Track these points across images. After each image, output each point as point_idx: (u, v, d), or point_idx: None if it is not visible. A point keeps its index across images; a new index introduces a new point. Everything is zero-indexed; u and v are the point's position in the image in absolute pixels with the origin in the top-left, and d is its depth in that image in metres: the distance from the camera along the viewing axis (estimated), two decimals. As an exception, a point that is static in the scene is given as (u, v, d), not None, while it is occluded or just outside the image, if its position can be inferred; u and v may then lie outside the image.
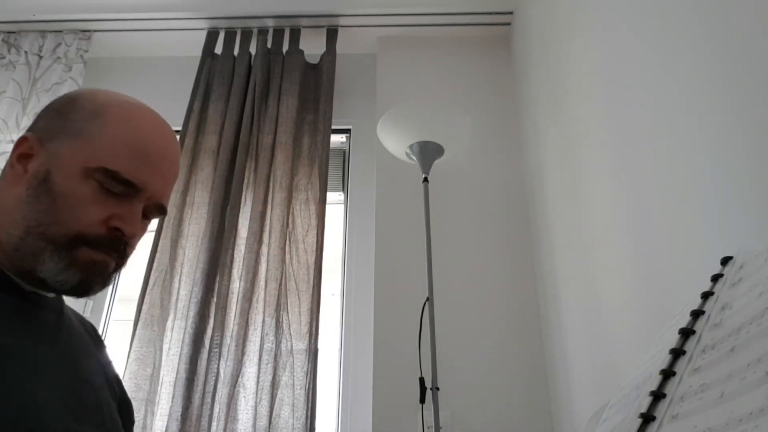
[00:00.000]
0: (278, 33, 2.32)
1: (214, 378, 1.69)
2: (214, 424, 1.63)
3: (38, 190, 0.68)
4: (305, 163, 2.04)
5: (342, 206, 2.19)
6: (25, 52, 2.28)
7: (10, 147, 2.09)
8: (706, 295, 0.59)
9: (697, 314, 0.58)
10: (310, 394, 1.68)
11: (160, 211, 0.76)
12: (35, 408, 0.61)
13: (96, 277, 0.70)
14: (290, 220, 1.92)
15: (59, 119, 0.72)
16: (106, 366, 0.82)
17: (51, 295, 0.73)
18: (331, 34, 2.30)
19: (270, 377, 1.68)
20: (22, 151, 0.71)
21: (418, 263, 1.77)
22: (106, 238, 0.69)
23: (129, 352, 1.75)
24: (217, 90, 2.18)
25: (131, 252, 0.74)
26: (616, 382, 1.11)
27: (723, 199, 0.83)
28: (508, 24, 2.30)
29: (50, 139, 0.71)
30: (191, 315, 1.76)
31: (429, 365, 1.54)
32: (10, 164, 0.71)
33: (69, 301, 0.79)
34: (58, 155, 0.69)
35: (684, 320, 0.59)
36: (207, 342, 1.74)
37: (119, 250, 0.71)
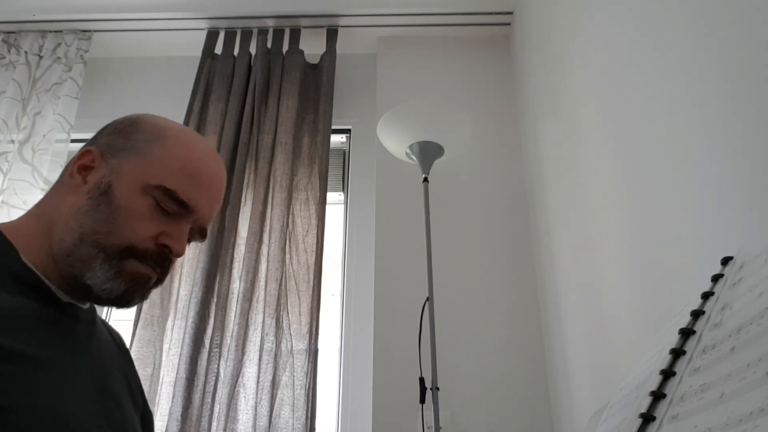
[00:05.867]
0: (278, 33, 2.32)
1: (214, 378, 1.69)
2: (214, 424, 1.63)
3: (99, 200, 0.71)
4: (305, 163, 2.04)
5: (342, 206, 2.18)
6: (25, 52, 2.28)
7: (10, 147, 2.09)
8: (706, 296, 0.59)
9: (697, 314, 0.58)
10: (310, 394, 1.68)
11: (202, 235, 0.80)
12: (68, 422, 0.62)
13: (138, 289, 0.73)
14: (290, 220, 1.92)
15: (122, 137, 0.76)
16: (131, 378, 0.83)
17: (85, 306, 0.75)
18: (331, 34, 2.30)
19: (270, 377, 1.68)
20: (84, 163, 0.74)
21: (418, 263, 1.77)
22: (154, 253, 0.72)
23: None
24: (217, 90, 2.18)
25: (170, 269, 0.77)
26: (616, 383, 1.11)
27: (723, 199, 0.83)
28: (508, 24, 2.30)
29: (112, 155, 0.74)
30: (191, 315, 1.76)
31: (429, 365, 1.54)
32: (69, 174, 0.74)
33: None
34: (120, 170, 0.73)
35: (684, 320, 0.59)
36: (207, 342, 1.74)
37: (163, 266, 0.74)
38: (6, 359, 0.58)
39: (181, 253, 0.75)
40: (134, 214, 0.71)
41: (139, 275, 0.72)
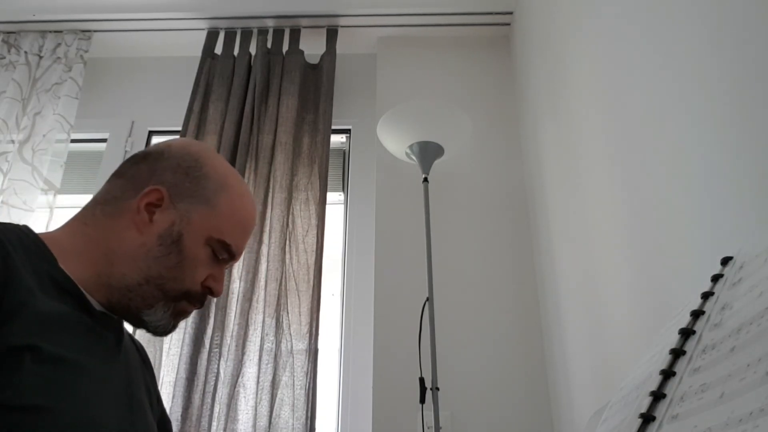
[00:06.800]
0: (278, 33, 2.31)
1: (214, 378, 1.69)
2: (214, 424, 1.63)
3: (170, 248, 0.76)
4: (305, 163, 2.04)
5: (342, 206, 2.18)
6: (25, 52, 2.27)
7: (10, 147, 2.08)
8: (706, 296, 0.59)
9: (697, 314, 0.58)
10: (310, 394, 1.68)
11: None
12: (98, 427, 0.65)
13: (178, 323, 0.82)
14: (290, 220, 1.92)
15: (189, 182, 0.80)
16: (151, 387, 0.87)
17: (115, 316, 0.78)
18: (331, 34, 2.30)
19: (270, 377, 1.68)
20: (152, 201, 0.77)
21: (418, 263, 1.77)
22: (201, 294, 0.80)
23: (129, 352, 1.75)
24: (217, 90, 2.18)
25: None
26: (616, 382, 1.11)
27: (723, 199, 0.83)
28: (508, 24, 2.30)
29: (180, 199, 0.79)
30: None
31: (429, 365, 1.54)
32: (136, 208, 0.77)
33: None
34: (190, 219, 0.78)
35: (684, 320, 0.59)
36: (207, 342, 1.74)
37: (203, 303, 0.82)
38: (47, 361, 0.61)
39: (220, 294, 0.82)
40: (196, 263, 0.78)
41: (185, 313, 0.80)
